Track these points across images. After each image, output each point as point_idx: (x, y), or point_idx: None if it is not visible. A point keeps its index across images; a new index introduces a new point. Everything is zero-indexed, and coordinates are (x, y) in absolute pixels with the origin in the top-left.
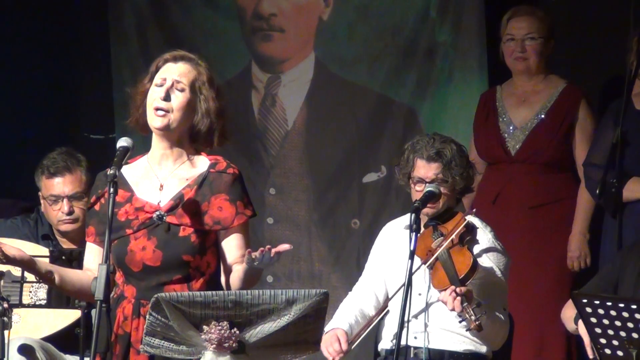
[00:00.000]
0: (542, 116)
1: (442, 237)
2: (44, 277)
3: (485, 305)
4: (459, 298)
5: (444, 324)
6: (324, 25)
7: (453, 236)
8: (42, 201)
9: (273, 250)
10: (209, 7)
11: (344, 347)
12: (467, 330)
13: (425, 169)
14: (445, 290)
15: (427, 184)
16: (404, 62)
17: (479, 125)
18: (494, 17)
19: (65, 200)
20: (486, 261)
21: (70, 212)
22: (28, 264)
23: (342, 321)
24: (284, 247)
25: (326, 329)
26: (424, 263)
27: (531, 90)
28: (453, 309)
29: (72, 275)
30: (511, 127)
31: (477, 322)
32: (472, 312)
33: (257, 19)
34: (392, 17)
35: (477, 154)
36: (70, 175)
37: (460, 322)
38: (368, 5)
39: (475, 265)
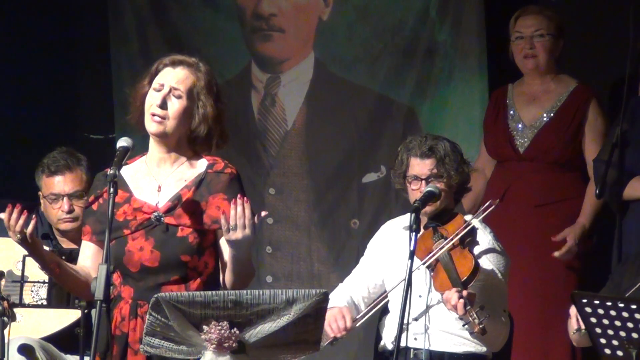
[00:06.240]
0: (552, 115)
1: (442, 239)
2: (48, 264)
3: (487, 307)
4: (462, 300)
5: (444, 325)
6: (323, 26)
7: (454, 238)
8: (41, 200)
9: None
10: (209, 7)
11: (349, 324)
12: (471, 334)
13: (420, 166)
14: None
15: (424, 182)
16: (404, 62)
17: (489, 123)
18: (494, 17)
19: (65, 199)
20: (486, 263)
21: (70, 211)
22: (37, 247)
23: (340, 303)
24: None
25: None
26: (425, 264)
27: (542, 89)
28: (455, 308)
29: (72, 269)
30: (520, 125)
31: (480, 326)
32: (475, 315)
33: (257, 19)
34: (392, 17)
35: (487, 151)
36: (70, 174)
37: (463, 325)
38: (368, 5)
39: (477, 268)
